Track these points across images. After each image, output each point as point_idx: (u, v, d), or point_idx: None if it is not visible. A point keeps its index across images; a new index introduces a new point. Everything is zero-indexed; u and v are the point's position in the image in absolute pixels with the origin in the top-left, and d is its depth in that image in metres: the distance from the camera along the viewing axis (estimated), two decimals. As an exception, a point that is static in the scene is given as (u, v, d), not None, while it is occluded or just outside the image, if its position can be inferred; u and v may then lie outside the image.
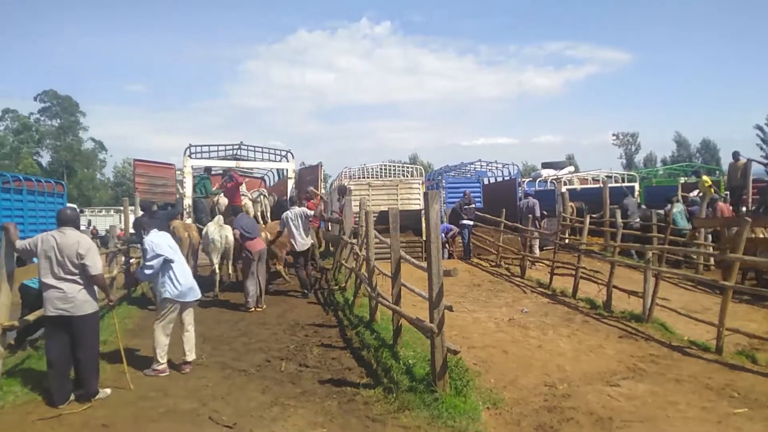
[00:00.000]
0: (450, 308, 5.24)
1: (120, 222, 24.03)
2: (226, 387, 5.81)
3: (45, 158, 62.83)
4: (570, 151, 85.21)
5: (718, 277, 8.98)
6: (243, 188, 14.66)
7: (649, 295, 8.38)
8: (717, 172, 26.47)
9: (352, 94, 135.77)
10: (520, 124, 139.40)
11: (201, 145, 16.28)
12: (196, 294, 6.58)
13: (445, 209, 17.58)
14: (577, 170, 29.76)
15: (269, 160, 17.73)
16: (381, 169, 24.30)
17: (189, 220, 13.39)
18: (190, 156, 15.28)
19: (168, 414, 5.10)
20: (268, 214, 14.84)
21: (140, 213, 12.59)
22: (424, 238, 14.20)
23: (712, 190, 15.61)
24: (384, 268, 7.79)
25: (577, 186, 21.34)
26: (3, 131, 60.50)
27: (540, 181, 22.96)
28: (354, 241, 10.50)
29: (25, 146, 59.47)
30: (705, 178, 16.64)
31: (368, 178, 21.12)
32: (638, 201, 18.23)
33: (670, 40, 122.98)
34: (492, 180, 23.79)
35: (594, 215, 15.16)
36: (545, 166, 27.30)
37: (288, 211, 10.86)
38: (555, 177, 22.75)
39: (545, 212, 16.20)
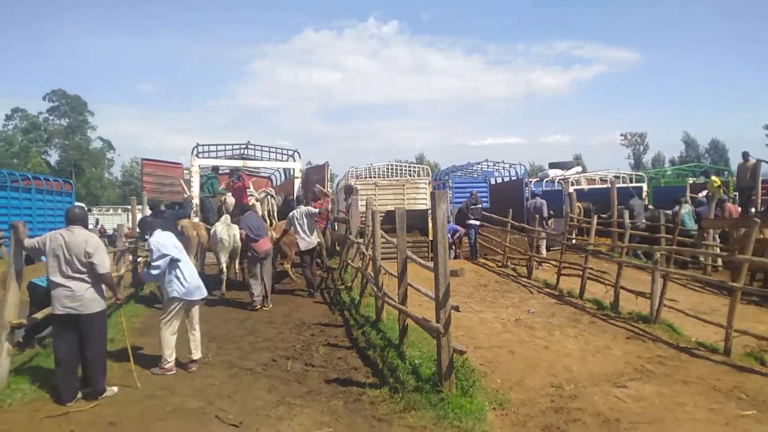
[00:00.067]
0: (456, 308, 5.23)
1: (128, 221, 24.14)
2: (232, 386, 5.83)
3: (53, 157, 63.32)
4: (578, 151, 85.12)
5: (726, 279, 8.93)
6: (251, 188, 14.69)
7: (657, 296, 8.34)
8: (726, 172, 26.30)
9: (358, 93, 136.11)
10: (527, 124, 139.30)
11: (208, 145, 16.35)
12: (203, 292, 6.61)
13: (452, 209, 17.55)
14: (584, 170, 29.63)
15: (276, 159, 17.76)
16: (387, 168, 24.32)
17: (196, 219, 13.43)
18: (197, 155, 15.33)
19: (175, 412, 5.12)
20: (275, 214, 14.87)
21: (148, 212, 12.63)
22: (431, 238, 14.19)
23: (721, 191, 15.52)
24: (390, 267, 7.79)
25: (585, 186, 21.23)
26: (12, 130, 60.91)
27: (547, 181, 22.88)
28: (360, 240, 10.50)
29: (34, 145, 59.85)
30: (714, 178, 16.53)
31: (375, 177, 21.14)
32: (646, 202, 18.13)
33: (678, 40, 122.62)
34: (499, 180, 23.73)
35: (603, 215, 15.11)
36: (553, 166, 27.18)
37: (294, 211, 10.90)
38: (562, 177, 22.65)
39: (552, 212, 16.14)
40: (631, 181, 21.68)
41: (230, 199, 13.97)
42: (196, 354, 6.44)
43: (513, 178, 22.51)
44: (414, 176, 22.48)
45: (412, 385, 5.44)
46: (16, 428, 4.73)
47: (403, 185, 16.08)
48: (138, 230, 9.08)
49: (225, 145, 16.98)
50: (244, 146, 17.18)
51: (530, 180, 22.81)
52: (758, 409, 5.12)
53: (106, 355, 5.69)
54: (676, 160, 76.15)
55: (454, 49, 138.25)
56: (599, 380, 6.01)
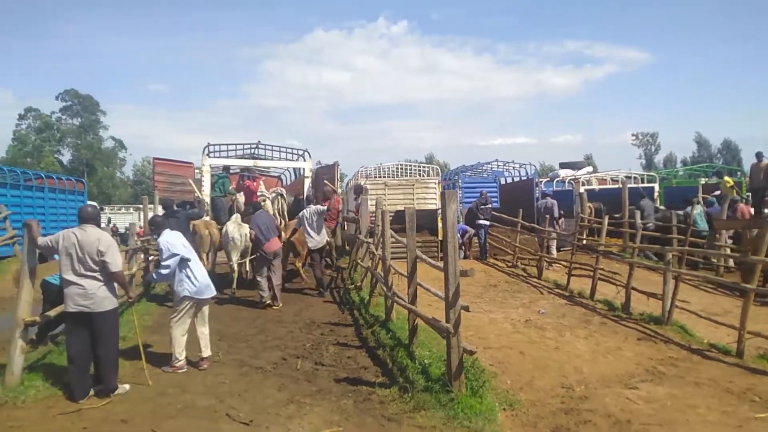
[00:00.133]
0: (466, 308, 5.23)
1: (139, 220, 24.30)
2: (243, 384, 5.86)
3: (66, 156, 63.81)
4: (588, 151, 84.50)
5: (738, 280, 8.85)
6: (262, 187, 14.74)
7: (669, 297, 8.27)
8: (738, 173, 26.04)
9: (368, 93, 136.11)
10: (538, 124, 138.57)
11: (219, 144, 16.42)
12: (212, 291, 6.65)
13: (462, 209, 17.52)
14: (595, 170, 29.46)
15: (286, 159, 17.82)
16: (397, 168, 24.32)
17: (207, 218, 13.50)
18: (208, 155, 15.41)
19: (186, 410, 5.15)
20: (286, 214, 14.93)
21: (160, 211, 12.70)
22: (440, 238, 14.17)
23: (734, 191, 15.37)
24: (400, 267, 7.79)
25: (596, 186, 21.11)
26: (25, 130, 61.49)
27: (558, 181, 22.77)
28: (370, 240, 10.51)
29: (47, 144, 60.37)
30: (727, 178, 16.37)
31: (384, 177, 21.13)
32: (657, 202, 18.00)
33: (689, 39, 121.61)
34: (509, 180, 23.66)
35: (616, 215, 15.01)
36: (563, 166, 27.03)
37: (304, 210, 10.95)
38: (573, 177, 22.54)
39: (562, 212, 16.07)
40: (642, 182, 21.54)
41: (241, 198, 14.04)
42: (206, 352, 6.47)
43: (523, 178, 22.43)
44: (423, 176, 22.46)
45: (422, 384, 5.44)
46: (29, 425, 4.78)
47: (413, 185, 16.06)
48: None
49: (236, 144, 17.06)
50: (254, 146, 17.25)
51: (540, 180, 22.72)
52: (771, 411, 5.07)
53: (118, 353, 5.73)
54: (688, 161, 75.57)
55: (464, 49, 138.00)
56: (610, 381, 5.98)
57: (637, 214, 13.81)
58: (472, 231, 15.72)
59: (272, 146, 17.59)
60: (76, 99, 63.35)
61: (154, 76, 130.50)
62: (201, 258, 11.29)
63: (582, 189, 18.72)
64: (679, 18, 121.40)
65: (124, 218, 36.45)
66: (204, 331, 6.53)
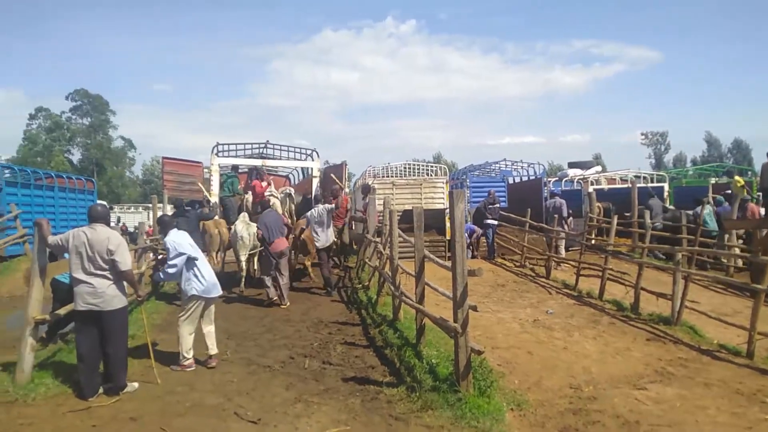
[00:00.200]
0: (474, 308, 5.22)
1: (148, 219, 24.43)
2: (251, 383, 5.88)
3: (76, 156, 64.20)
4: (597, 151, 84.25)
5: (749, 280, 8.77)
6: (271, 187, 14.78)
7: (678, 298, 8.21)
8: (749, 172, 25.82)
9: (376, 93, 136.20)
10: (546, 123, 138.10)
11: (228, 144, 16.46)
12: (219, 290, 6.69)
13: (469, 209, 17.48)
14: (604, 170, 29.31)
15: (295, 158, 17.85)
16: (405, 168, 24.29)
17: (216, 218, 13.55)
18: (217, 154, 15.45)
19: (194, 408, 5.17)
20: (294, 213, 14.97)
21: (172, 210, 12.77)
22: (448, 238, 14.15)
23: (745, 191, 15.24)
24: (407, 267, 7.79)
25: (605, 186, 21.00)
26: (36, 129, 61.93)
27: (566, 180, 22.67)
28: (378, 239, 10.52)
29: (57, 144, 60.77)
30: (737, 178, 16.23)
31: (392, 177, 21.12)
32: (666, 202, 17.87)
33: (699, 38, 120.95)
34: (517, 179, 23.58)
35: (627, 214, 14.91)
36: (572, 165, 26.91)
37: (312, 209, 11.00)
38: (582, 177, 22.43)
39: (570, 212, 15.99)
40: (652, 181, 21.40)
41: (250, 198, 14.09)
42: (213, 350, 6.51)
43: (531, 178, 22.35)
44: (431, 175, 22.42)
45: (429, 384, 5.44)
46: (40, 422, 4.82)
47: (421, 184, 16.04)
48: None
49: (244, 144, 17.10)
50: (263, 145, 17.28)
51: (549, 179, 22.63)
52: (782, 413, 5.02)
53: (127, 351, 5.77)
54: (698, 160, 75.11)
55: (472, 48, 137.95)
56: (619, 382, 5.94)
57: (647, 213, 13.73)
58: (480, 231, 15.69)
59: (281, 146, 17.62)
60: (85, 99, 63.75)
61: (163, 76, 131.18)
62: (211, 257, 11.38)
63: (591, 189, 18.62)
64: (689, 16, 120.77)
65: (133, 217, 36.62)
66: (210, 330, 6.56)
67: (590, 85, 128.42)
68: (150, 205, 17.66)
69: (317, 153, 16.85)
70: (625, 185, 19.82)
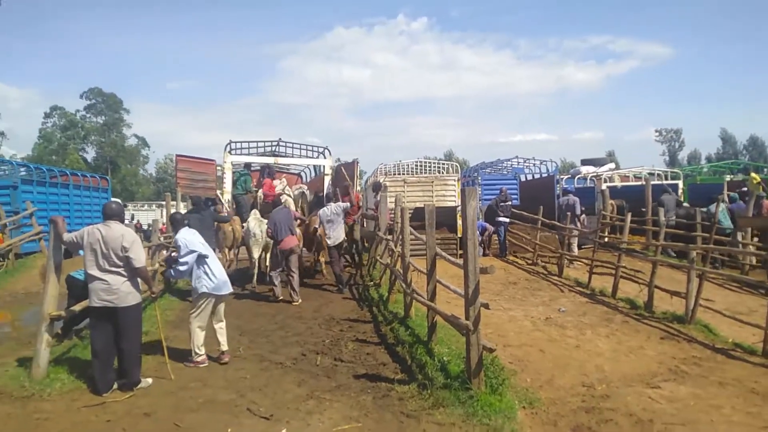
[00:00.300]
0: (486, 306, 5.20)
1: (162, 216, 24.62)
2: (263, 379, 5.91)
3: (90, 154, 64.81)
4: (611, 148, 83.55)
5: (764, 278, 8.67)
6: (285, 185, 14.85)
7: (693, 296, 8.14)
8: (765, 169, 25.50)
9: (388, 90, 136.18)
10: (559, 121, 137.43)
11: (241, 142, 16.55)
12: (230, 288, 6.72)
13: (481, 206, 17.43)
14: (617, 167, 29.05)
15: (307, 156, 17.90)
16: (416, 165, 24.23)
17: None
18: (230, 152, 15.54)
19: (207, 404, 5.21)
20: (307, 211, 15.03)
21: (189, 206, 12.84)
22: (459, 235, 14.13)
23: (761, 188, 15.04)
24: (419, 264, 7.78)
25: (618, 183, 20.81)
26: (51, 128, 62.59)
27: (579, 178, 22.49)
28: (389, 237, 10.53)
29: (72, 142, 61.38)
30: (753, 175, 16.05)
31: (403, 174, 21.09)
32: (681, 199, 17.66)
33: (714, 33, 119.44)
34: (529, 177, 23.46)
35: (643, 210, 14.77)
36: (585, 162, 26.69)
37: (324, 208, 11.03)
38: (595, 174, 22.25)
39: (584, 209, 15.89)
40: (666, 179, 21.15)
41: (261, 194, 14.17)
42: (225, 346, 6.55)
43: (544, 175, 22.22)
44: (443, 173, 22.35)
45: (441, 381, 5.43)
46: (55, 417, 4.88)
47: (432, 182, 16.01)
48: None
49: (257, 142, 17.17)
50: (275, 143, 17.36)
51: (561, 177, 22.48)
52: (798, 413, 4.96)
53: (141, 347, 5.82)
54: (713, 157, 74.29)
55: (483, 45, 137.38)
56: (632, 380, 5.90)
57: (661, 211, 13.59)
58: (491, 228, 15.64)
59: (293, 144, 17.70)
60: (100, 97, 64.34)
61: (176, 75, 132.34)
62: (223, 253, 11.46)
63: (604, 186, 18.46)
64: (704, 12, 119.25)
65: (147, 215, 36.88)
66: (221, 326, 6.60)
67: (604, 81, 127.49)
68: (163, 203, 17.79)
69: (329, 151, 16.90)
70: (639, 183, 19.64)
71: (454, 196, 15.41)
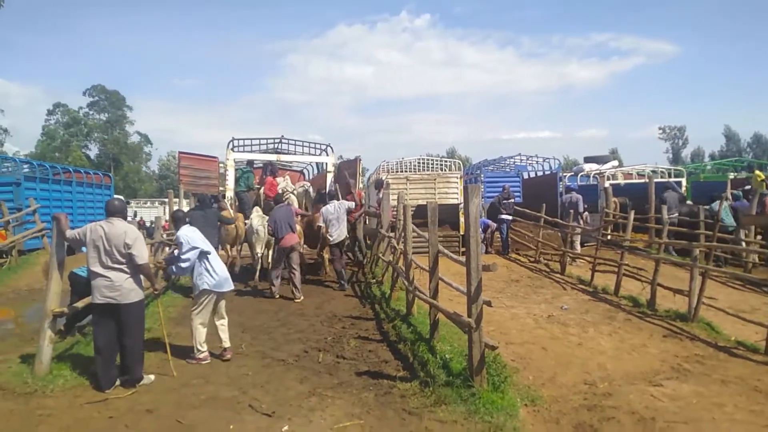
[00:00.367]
0: (489, 303, 5.20)
1: (164, 213, 24.66)
2: (265, 376, 5.91)
3: (93, 151, 64.95)
4: (614, 145, 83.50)
5: (767, 276, 8.64)
6: (288, 182, 14.85)
7: (696, 294, 8.12)
8: (769, 167, 25.42)
9: (391, 87, 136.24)
10: (562, 118, 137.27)
11: (243, 139, 16.53)
12: (231, 285, 6.73)
13: (484, 204, 17.41)
14: (621, 165, 29.02)
15: (309, 153, 17.89)
16: (419, 162, 24.22)
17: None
18: (232, 149, 15.53)
19: (209, 401, 5.22)
20: (311, 208, 15.04)
21: (195, 203, 12.85)
22: (462, 233, 14.12)
23: (765, 186, 14.99)
24: (421, 261, 7.78)
25: (621, 181, 20.80)
26: (54, 125, 62.70)
27: (582, 175, 22.46)
28: (391, 234, 10.52)
29: (75, 139, 61.46)
30: (758, 172, 15.99)
31: (406, 171, 21.08)
32: (684, 194, 17.62)
33: (718, 31, 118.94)
34: (532, 174, 23.42)
35: (646, 207, 14.71)
36: (588, 160, 26.69)
37: (328, 205, 11.03)
38: (598, 171, 22.23)
39: (586, 206, 15.85)
40: (669, 176, 21.15)
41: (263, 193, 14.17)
42: (227, 343, 6.56)
43: (546, 173, 22.18)
44: (445, 170, 22.33)
45: (443, 379, 5.43)
46: (58, 413, 4.89)
47: (435, 179, 16.00)
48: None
49: (260, 139, 17.16)
50: (278, 140, 17.34)
51: (564, 174, 22.45)
52: (802, 411, 4.95)
53: (143, 344, 5.83)
54: (716, 155, 74.08)
55: (486, 42, 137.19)
56: (634, 378, 5.90)
57: (664, 209, 13.55)
58: (494, 225, 15.63)
59: (295, 141, 17.68)
60: (103, 95, 64.42)
61: (179, 72, 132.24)
62: (225, 250, 11.48)
63: (607, 183, 18.44)
64: (708, 9, 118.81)
65: (150, 212, 36.97)
66: (223, 323, 6.61)
67: (607, 79, 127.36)
68: (166, 200, 17.81)
69: (331, 148, 16.88)
70: (642, 180, 19.60)
71: (457, 193, 15.40)
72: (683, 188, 18.59)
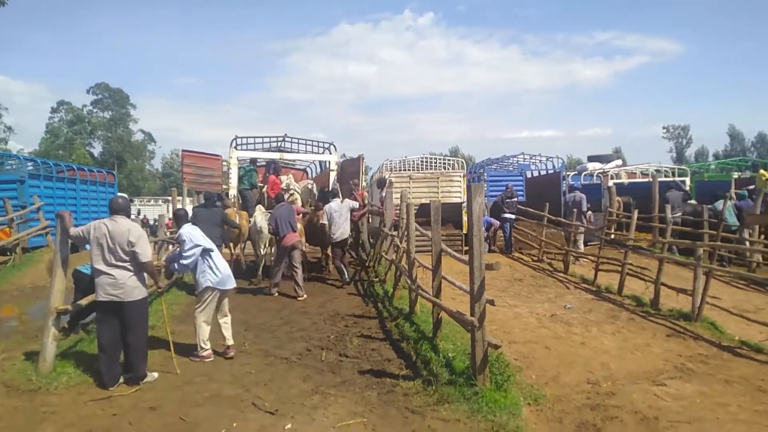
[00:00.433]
0: (492, 302, 5.19)
1: (168, 211, 24.70)
2: (268, 374, 5.92)
3: (97, 149, 65.06)
4: (618, 144, 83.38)
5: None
6: (291, 181, 14.87)
7: (699, 293, 8.10)
8: (774, 167, 25.29)
9: (394, 86, 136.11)
10: (566, 117, 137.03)
11: (247, 137, 16.54)
12: (233, 282, 6.74)
13: (487, 202, 17.39)
14: (624, 164, 28.94)
15: (312, 152, 17.90)
16: (422, 161, 24.19)
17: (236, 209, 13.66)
18: (236, 147, 15.55)
19: (213, 398, 5.23)
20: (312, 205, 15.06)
21: (188, 203, 12.88)
22: (464, 232, 14.11)
23: (769, 185, 14.93)
24: (424, 260, 7.78)
25: (625, 180, 20.73)
26: (58, 123, 62.82)
27: (586, 174, 22.40)
28: (394, 233, 10.52)
29: (79, 137, 61.57)
30: (762, 172, 15.93)
31: (409, 170, 21.07)
32: (688, 191, 17.56)
33: (723, 30, 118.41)
34: (535, 173, 23.39)
35: (650, 205, 14.68)
36: (591, 159, 26.58)
37: (332, 203, 11.04)
38: (601, 170, 22.17)
39: (589, 206, 15.82)
40: (673, 175, 21.07)
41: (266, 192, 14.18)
42: (230, 340, 6.58)
43: (550, 172, 22.14)
44: (448, 169, 22.31)
45: (446, 378, 5.43)
46: (62, 410, 4.91)
47: (438, 178, 15.99)
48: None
49: (263, 137, 17.17)
50: (281, 139, 17.36)
51: (568, 173, 22.40)
52: (806, 411, 4.93)
53: (147, 342, 5.84)
54: (721, 154, 73.87)
55: (490, 41, 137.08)
56: (638, 378, 5.89)
57: (668, 208, 13.54)
58: (497, 223, 15.60)
59: (298, 139, 17.68)
60: (106, 92, 64.53)
61: (182, 70, 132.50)
62: (228, 247, 11.50)
63: (611, 183, 18.40)
64: (712, 8, 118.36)
65: (153, 210, 37.06)
66: (226, 321, 6.63)
67: (611, 77, 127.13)
68: (170, 198, 17.84)
69: (335, 146, 16.88)
70: (646, 179, 19.55)
71: (460, 192, 15.39)
72: (687, 187, 18.52)
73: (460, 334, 6.73)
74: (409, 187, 15.03)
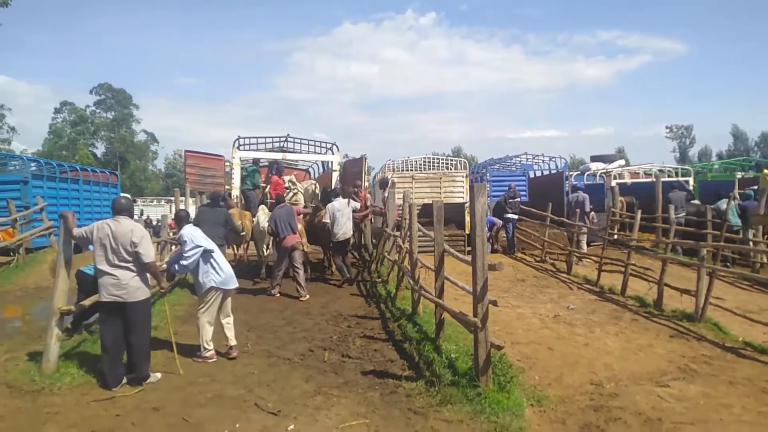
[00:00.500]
0: (495, 303, 5.19)
1: (171, 212, 24.72)
2: (271, 374, 5.92)
3: (100, 149, 65.27)
4: (621, 144, 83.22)
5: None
6: (294, 180, 14.88)
7: (703, 294, 8.07)
8: (777, 166, 25.20)
9: (396, 86, 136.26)
10: (568, 116, 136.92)
11: (249, 137, 16.55)
12: (236, 282, 6.74)
13: (489, 203, 17.36)
14: (627, 164, 28.85)
15: (315, 152, 17.90)
16: (424, 161, 24.19)
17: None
18: (238, 148, 15.57)
19: (215, 399, 5.23)
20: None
21: (191, 203, 12.88)
22: (467, 232, 14.09)
23: (773, 185, 14.87)
24: (427, 261, 7.77)
25: (628, 180, 20.69)
26: (61, 123, 63.03)
27: (589, 174, 22.36)
28: (397, 233, 10.52)
29: (82, 138, 61.77)
30: (766, 171, 15.87)
31: (412, 170, 21.06)
32: (692, 191, 17.51)
33: (726, 29, 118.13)
34: (538, 173, 23.35)
35: (652, 203, 14.64)
36: (594, 159, 26.52)
37: (335, 202, 11.04)
38: (604, 170, 22.12)
39: (592, 206, 15.79)
40: (676, 175, 21.01)
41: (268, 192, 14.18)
42: (233, 340, 6.58)
43: (553, 172, 22.11)
44: (451, 169, 22.28)
45: (449, 378, 5.42)
46: (65, 411, 4.92)
47: (440, 178, 15.97)
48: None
49: (265, 137, 17.18)
50: (283, 139, 17.36)
51: (571, 173, 22.37)
52: (810, 413, 4.91)
53: (150, 343, 5.85)
54: (724, 154, 73.68)
55: (492, 41, 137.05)
56: (641, 379, 5.87)
57: (671, 208, 13.50)
58: (500, 222, 15.58)
59: (301, 139, 17.69)
60: (109, 93, 64.73)
61: (185, 71, 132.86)
62: (233, 249, 11.51)
63: (614, 183, 18.35)
64: (716, 7, 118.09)
65: (156, 210, 37.14)
66: (228, 321, 6.63)
67: (614, 77, 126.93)
68: (173, 199, 17.86)
69: (337, 147, 16.89)
70: (649, 179, 19.50)
71: (462, 192, 15.37)
72: (690, 187, 18.46)
73: (462, 334, 6.72)
74: (412, 188, 15.01)
